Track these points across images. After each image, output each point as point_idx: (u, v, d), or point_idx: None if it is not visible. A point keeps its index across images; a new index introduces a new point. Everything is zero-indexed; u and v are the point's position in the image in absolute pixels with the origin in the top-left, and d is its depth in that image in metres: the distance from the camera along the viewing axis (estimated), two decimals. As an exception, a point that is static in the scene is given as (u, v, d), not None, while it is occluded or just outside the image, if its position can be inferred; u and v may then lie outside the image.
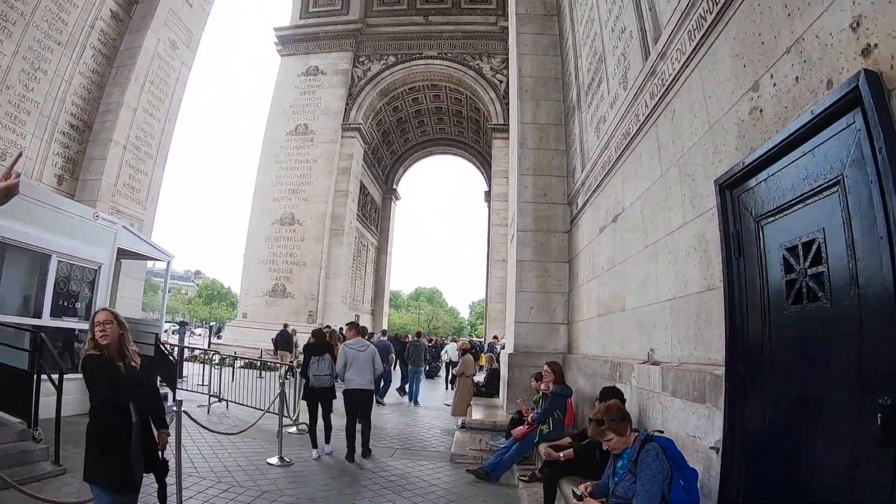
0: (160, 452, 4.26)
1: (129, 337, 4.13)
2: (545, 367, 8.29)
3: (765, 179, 3.66)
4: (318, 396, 9.16)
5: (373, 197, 42.19)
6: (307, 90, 34.09)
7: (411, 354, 18.12)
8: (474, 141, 43.41)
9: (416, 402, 16.73)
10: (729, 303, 4.03)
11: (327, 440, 9.24)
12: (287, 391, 10.04)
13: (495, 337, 24.50)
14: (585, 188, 9.70)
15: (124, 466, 3.81)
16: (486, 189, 42.68)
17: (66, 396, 7.21)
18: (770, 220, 3.60)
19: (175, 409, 6.04)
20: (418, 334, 21.00)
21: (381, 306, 45.89)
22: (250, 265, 32.24)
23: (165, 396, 11.85)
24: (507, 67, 31.20)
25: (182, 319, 37.45)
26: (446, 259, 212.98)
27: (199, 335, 35.97)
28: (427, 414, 14.56)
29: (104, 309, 4.19)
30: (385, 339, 19.66)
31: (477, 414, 10.54)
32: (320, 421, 9.18)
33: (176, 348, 16.20)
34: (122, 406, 3.88)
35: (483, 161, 43.41)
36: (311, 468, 8.34)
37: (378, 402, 15.27)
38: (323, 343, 9.67)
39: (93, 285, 10.90)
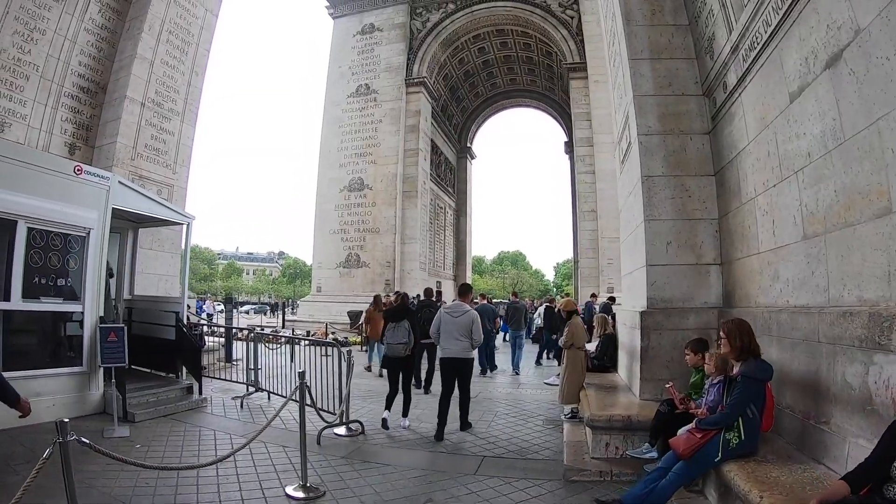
0: None
1: None
2: (723, 331, 4.80)
3: None
4: (394, 365, 8.49)
5: (446, 157, 39.20)
6: (365, 49, 31.70)
7: (511, 317, 15.90)
8: (548, 89, 39.53)
9: (517, 371, 14.60)
10: None
11: (405, 412, 8.36)
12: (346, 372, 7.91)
13: (593, 295, 20.96)
14: (740, 54, 6.16)
15: None
16: (566, 139, 38.99)
17: None
18: None
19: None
20: (514, 293, 18.06)
21: (464, 271, 42.81)
22: (321, 236, 30.13)
23: (190, 389, 9.44)
24: (576, 2, 28.54)
25: (230, 296, 35.10)
26: (527, 219, 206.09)
27: (247, 313, 33.44)
28: (523, 395, 11.24)
29: None
30: (485, 302, 16.74)
31: (599, 404, 6.99)
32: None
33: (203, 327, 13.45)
34: None
35: (560, 110, 39.64)
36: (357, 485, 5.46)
37: (483, 374, 13.88)
38: (401, 308, 8.89)
39: (82, 256, 8.20)
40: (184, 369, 9.83)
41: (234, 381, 10.73)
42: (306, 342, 19.46)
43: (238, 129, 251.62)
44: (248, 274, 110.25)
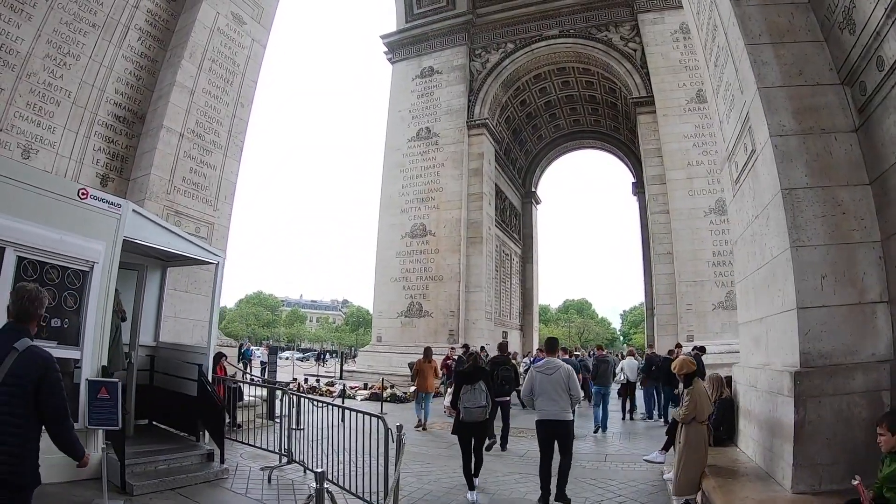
0: None
1: None
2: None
3: None
4: (471, 432, 7.58)
5: (511, 202, 37.58)
6: (424, 92, 30.85)
7: (599, 372, 14.33)
8: (612, 128, 37.77)
9: (604, 428, 13.20)
10: None
11: (476, 473, 7.56)
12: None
13: (678, 346, 18.54)
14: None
15: None
16: (634, 180, 37.34)
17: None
18: None
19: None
20: (600, 347, 16.30)
21: (531, 321, 40.78)
22: (382, 284, 28.82)
23: (211, 455, 7.79)
24: (638, 34, 27.30)
25: (273, 343, 33.06)
26: (593, 265, 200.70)
27: (287, 359, 31.16)
28: (612, 470, 8.96)
29: None
30: (567, 356, 15.31)
31: (732, 498, 5.00)
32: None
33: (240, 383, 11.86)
34: None
35: (626, 150, 37.88)
36: None
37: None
38: (476, 369, 7.99)
39: (83, 293, 6.80)
40: (206, 431, 8.25)
41: (265, 449, 8.96)
42: (361, 397, 18.11)
43: (303, 176, 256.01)
44: (311, 321, 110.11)
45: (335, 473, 7.10)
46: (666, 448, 8.51)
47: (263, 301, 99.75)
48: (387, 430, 6.01)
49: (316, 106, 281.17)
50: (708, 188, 23.41)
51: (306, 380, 22.41)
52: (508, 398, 11.45)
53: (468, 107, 29.65)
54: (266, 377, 15.25)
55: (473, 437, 7.52)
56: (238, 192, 13.80)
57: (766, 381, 6.18)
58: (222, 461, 7.82)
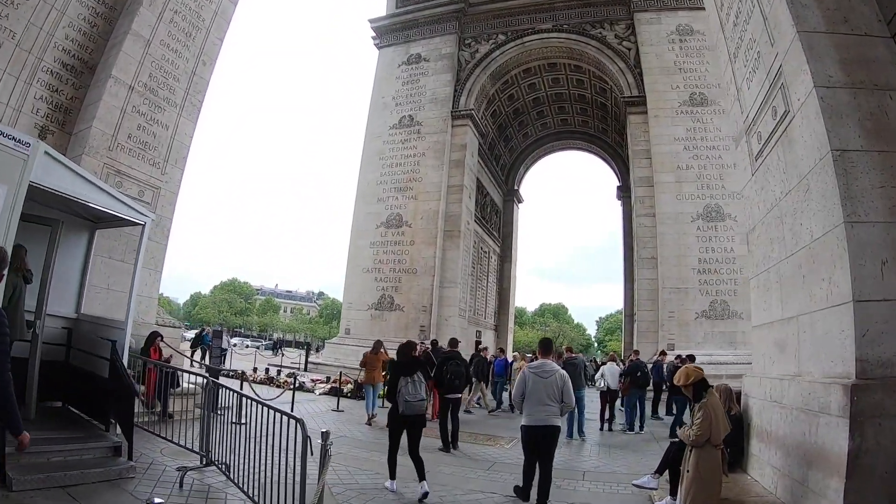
0: None
1: None
2: None
3: None
4: (406, 425, 7.08)
5: (492, 198, 36.41)
6: (410, 80, 29.73)
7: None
8: (601, 130, 36.86)
9: (580, 433, 12.33)
10: None
11: (421, 476, 6.76)
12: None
13: (662, 353, 17.51)
14: None
15: None
16: (619, 184, 36.58)
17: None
18: None
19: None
20: (569, 349, 15.11)
21: (506, 322, 39.61)
22: (353, 275, 27.47)
23: (118, 449, 6.51)
24: (633, 34, 26.76)
25: (218, 328, 30.53)
26: (571, 269, 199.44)
27: (235, 345, 28.68)
28: (591, 493, 7.50)
29: None
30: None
31: None
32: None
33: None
34: None
35: (613, 153, 37.03)
36: None
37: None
38: (412, 360, 7.53)
39: None
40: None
41: (184, 447, 7.40)
42: (320, 390, 16.76)
43: (288, 162, 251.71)
44: (285, 311, 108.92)
45: (254, 482, 5.72)
46: (660, 471, 7.08)
47: (238, 289, 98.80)
48: (305, 437, 4.68)
49: (302, 89, 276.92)
50: (697, 193, 22.86)
51: (267, 370, 20.94)
52: (459, 395, 11.00)
53: (454, 97, 28.53)
54: (209, 363, 13.72)
55: (407, 430, 7.10)
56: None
57: (797, 395, 5.01)
58: (130, 457, 6.43)
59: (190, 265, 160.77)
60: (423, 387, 7.21)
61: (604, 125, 35.91)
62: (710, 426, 5.00)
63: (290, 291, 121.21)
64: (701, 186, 22.91)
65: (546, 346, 7.44)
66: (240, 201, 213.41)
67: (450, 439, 10.06)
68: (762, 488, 5.63)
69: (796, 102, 5.17)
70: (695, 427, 5.10)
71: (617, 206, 37.70)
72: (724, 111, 23.95)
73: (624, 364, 15.56)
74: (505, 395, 17.20)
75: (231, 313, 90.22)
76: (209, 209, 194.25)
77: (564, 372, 6.95)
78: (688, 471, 5.10)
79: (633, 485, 7.50)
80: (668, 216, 22.92)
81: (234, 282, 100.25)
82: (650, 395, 15.17)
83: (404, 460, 6.91)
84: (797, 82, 5.08)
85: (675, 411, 16.35)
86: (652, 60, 25.53)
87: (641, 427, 13.30)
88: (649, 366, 15.41)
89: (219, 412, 9.87)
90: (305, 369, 25.12)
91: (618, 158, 36.17)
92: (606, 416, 13.66)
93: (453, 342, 11.76)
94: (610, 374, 13.69)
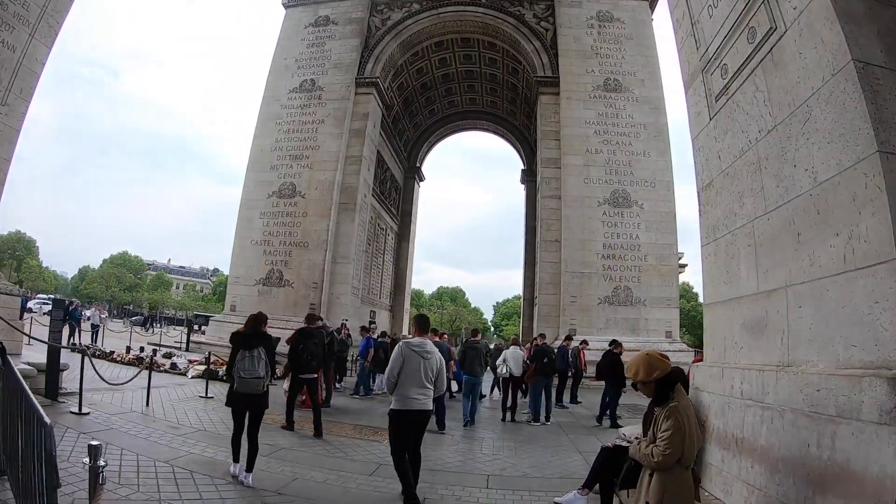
0: None
1: None
2: None
3: None
4: (245, 404, 6.44)
5: (393, 174, 34.86)
6: (315, 42, 27.71)
7: (467, 360, 12.19)
8: (509, 112, 36.15)
9: (471, 421, 11.43)
10: None
11: (249, 467, 6.08)
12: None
13: (568, 338, 16.61)
14: None
15: None
16: (524, 167, 36.17)
17: None
18: None
19: None
20: (474, 332, 13.91)
21: (402, 302, 38.39)
22: (241, 248, 25.21)
23: None
24: (552, 14, 26.33)
25: (70, 300, 26.97)
26: (470, 253, 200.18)
27: (88, 319, 25.57)
28: None
29: None
30: (437, 339, 12.67)
31: None
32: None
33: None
34: None
35: (520, 137, 36.50)
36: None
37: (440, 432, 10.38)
38: (255, 334, 6.73)
39: None
40: None
41: None
42: (192, 374, 14.65)
43: (181, 130, 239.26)
44: (177, 288, 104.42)
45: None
46: (588, 485, 5.55)
47: (128, 263, 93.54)
48: (50, 455, 2.99)
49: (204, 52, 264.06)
50: (605, 178, 22.68)
51: (142, 349, 18.44)
52: (315, 375, 10.13)
53: (360, 63, 26.83)
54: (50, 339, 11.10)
55: (248, 410, 6.49)
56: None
57: (792, 392, 3.83)
58: None
59: (84, 238, 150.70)
60: (262, 364, 6.51)
61: (513, 107, 35.25)
62: (682, 441, 3.55)
63: (184, 267, 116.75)
64: (609, 171, 22.64)
65: (423, 323, 6.64)
66: (138, 170, 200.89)
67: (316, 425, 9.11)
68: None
69: (791, 12, 3.99)
70: (662, 443, 3.59)
71: (520, 190, 37.32)
72: (637, 99, 23.71)
73: (529, 349, 14.46)
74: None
75: (120, 289, 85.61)
76: (109, 180, 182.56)
77: (440, 356, 6.45)
78: (647, 502, 3.62)
79: (555, 502, 6.01)
80: (574, 199, 22.56)
81: (125, 255, 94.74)
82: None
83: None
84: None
85: (579, 400, 15.54)
86: (569, 42, 25.23)
87: (548, 418, 12.13)
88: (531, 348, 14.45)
89: (60, 399, 8.31)
90: (187, 349, 22.78)
91: (524, 142, 35.77)
92: (508, 404, 12.46)
93: (310, 318, 10.81)
94: (513, 359, 12.48)
